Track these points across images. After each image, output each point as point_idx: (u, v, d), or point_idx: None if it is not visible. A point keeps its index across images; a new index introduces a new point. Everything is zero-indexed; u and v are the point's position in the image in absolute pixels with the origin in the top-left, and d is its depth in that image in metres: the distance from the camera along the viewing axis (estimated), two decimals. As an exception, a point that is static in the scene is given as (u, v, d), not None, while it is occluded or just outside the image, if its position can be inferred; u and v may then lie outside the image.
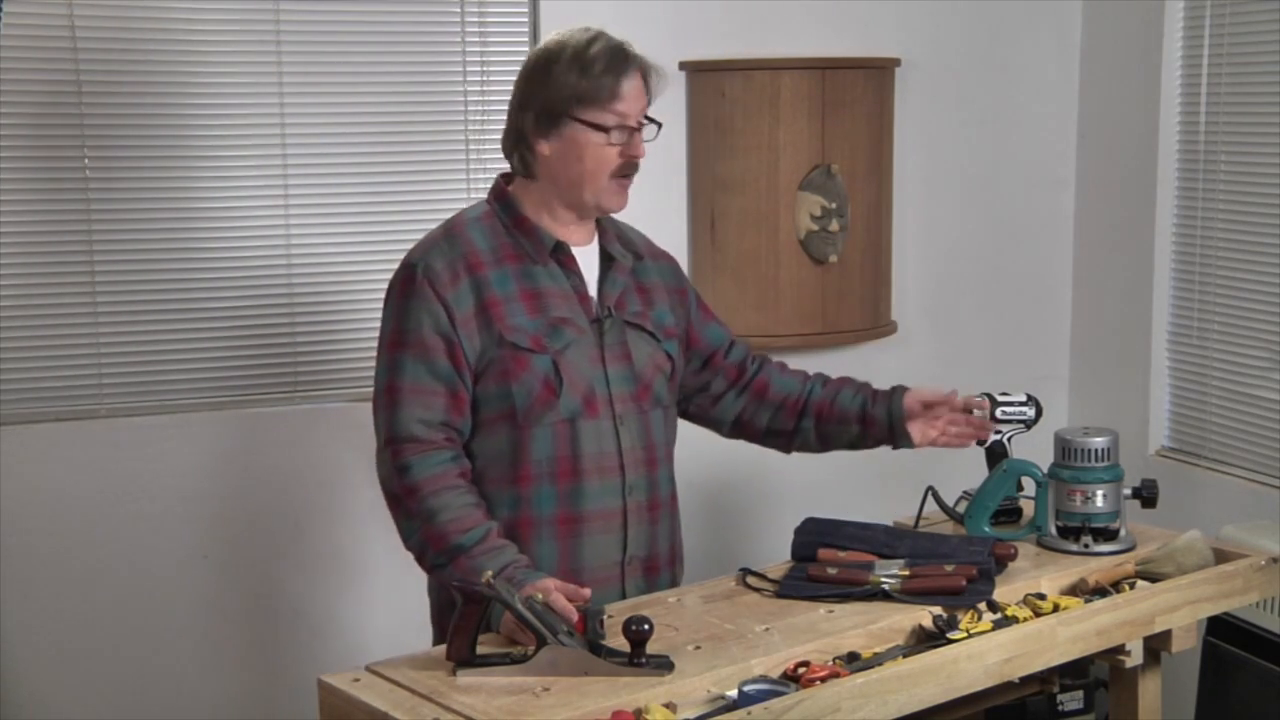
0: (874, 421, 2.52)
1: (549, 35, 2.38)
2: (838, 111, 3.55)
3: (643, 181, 3.53)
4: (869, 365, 3.83)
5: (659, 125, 2.35)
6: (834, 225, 3.56)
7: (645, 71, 2.33)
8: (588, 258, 2.38)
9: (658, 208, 3.60)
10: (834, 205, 3.55)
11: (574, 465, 2.30)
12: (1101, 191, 3.92)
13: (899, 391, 2.53)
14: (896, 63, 3.70)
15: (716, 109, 3.52)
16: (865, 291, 3.68)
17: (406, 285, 2.28)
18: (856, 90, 3.57)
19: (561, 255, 2.33)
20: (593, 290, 2.36)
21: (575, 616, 2.05)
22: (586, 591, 2.12)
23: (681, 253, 3.64)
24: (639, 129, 2.32)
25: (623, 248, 2.43)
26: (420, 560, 2.25)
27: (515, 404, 2.27)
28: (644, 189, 3.54)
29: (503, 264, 2.30)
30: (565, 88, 2.27)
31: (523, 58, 3.52)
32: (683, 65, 3.55)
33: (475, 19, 3.40)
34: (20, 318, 3.15)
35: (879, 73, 3.64)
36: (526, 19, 3.45)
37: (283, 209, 3.32)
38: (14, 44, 3.07)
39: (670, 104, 3.57)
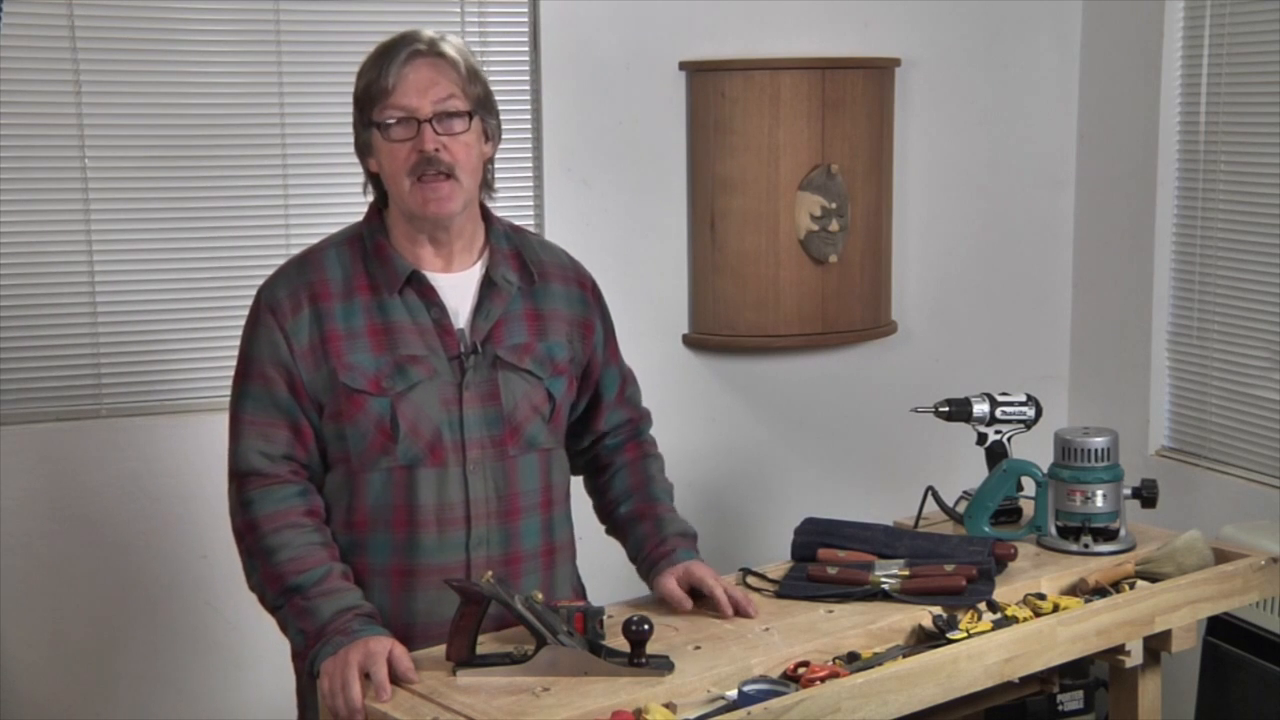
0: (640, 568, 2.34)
1: None
2: (838, 111, 3.55)
3: (643, 181, 3.59)
4: (869, 365, 3.85)
5: (470, 115, 2.13)
6: (834, 225, 3.55)
7: (441, 58, 2.12)
8: (463, 285, 2.19)
9: (658, 208, 3.61)
10: (834, 205, 3.55)
11: (409, 516, 2.14)
12: (1101, 191, 3.92)
13: (660, 569, 2.27)
14: (896, 63, 3.70)
15: (716, 109, 3.52)
16: (865, 291, 3.68)
17: (252, 313, 2.18)
18: (856, 90, 3.57)
19: (419, 285, 2.16)
20: (462, 322, 2.17)
21: (387, 693, 1.93)
22: (414, 676, 1.98)
23: (681, 253, 3.64)
24: (429, 121, 2.10)
25: (516, 271, 2.23)
26: (261, 601, 2.14)
27: (350, 447, 2.14)
28: (644, 189, 3.59)
29: (353, 296, 2.14)
30: (355, 95, 2.16)
31: (523, 58, 3.51)
32: (683, 65, 3.55)
33: (475, 19, 3.40)
34: (20, 318, 3.15)
35: (879, 73, 3.64)
36: (526, 19, 3.45)
37: (283, 209, 3.32)
38: (14, 44, 3.07)
39: (670, 104, 3.58)
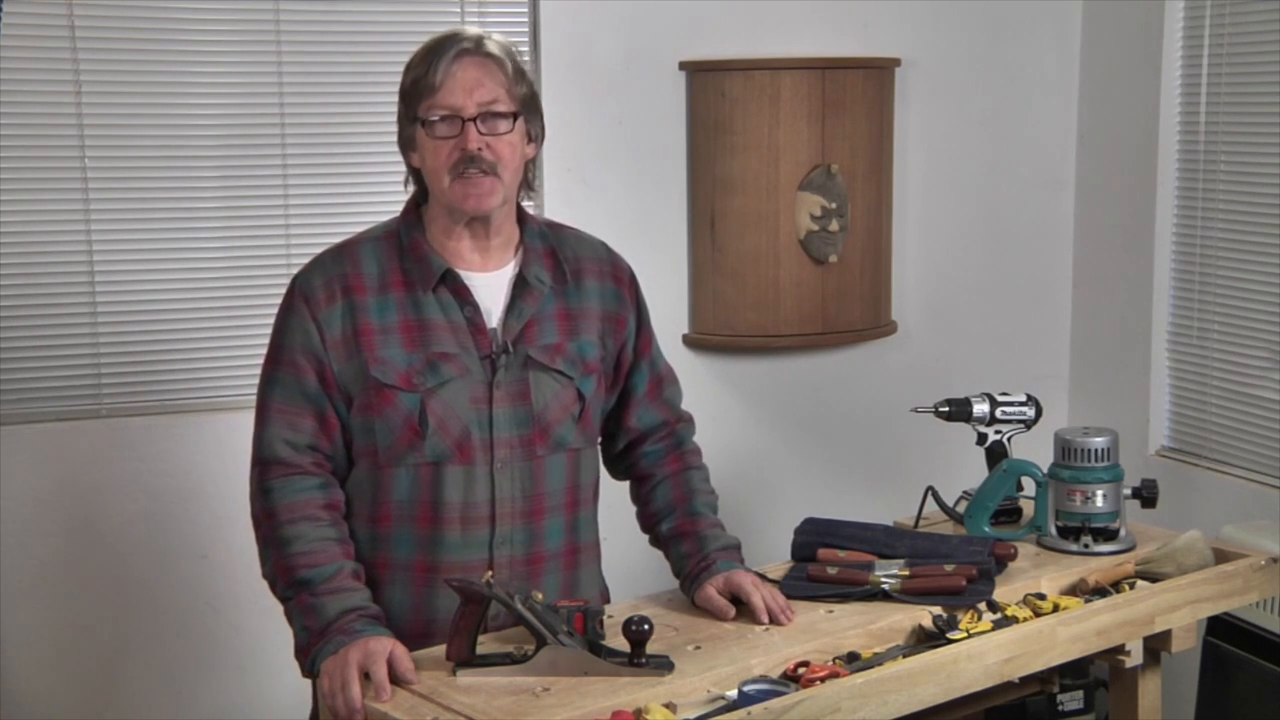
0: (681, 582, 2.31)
1: None
2: (838, 111, 3.55)
3: (643, 181, 3.59)
4: (869, 365, 3.85)
5: (515, 116, 2.14)
6: (834, 225, 3.56)
7: (488, 58, 2.13)
8: (496, 284, 2.19)
9: (658, 208, 3.61)
10: (834, 205, 3.55)
11: (434, 512, 2.14)
12: (1101, 191, 3.92)
13: (700, 581, 2.25)
14: (896, 63, 3.70)
15: (716, 109, 3.52)
16: (865, 291, 3.68)
17: (286, 300, 2.19)
18: (856, 90, 3.57)
19: (453, 284, 2.16)
20: (495, 321, 2.18)
21: (387, 693, 1.93)
22: (413, 676, 1.97)
23: (681, 253, 3.64)
24: (474, 120, 2.11)
25: (550, 271, 2.23)
26: (272, 590, 2.14)
27: (377, 442, 2.14)
28: (644, 189, 3.59)
29: (387, 291, 2.15)
30: (401, 90, 2.17)
31: (523, 58, 3.51)
32: (683, 65, 3.55)
33: (475, 19, 3.40)
34: (20, 318, 3.15)
35: (879, 73, 3.64)
36: (526, 19, 3.45)
37: (282, 209, 3.32)
38: (14, 44, 3.07)
39: (670, 104, 3.58)
